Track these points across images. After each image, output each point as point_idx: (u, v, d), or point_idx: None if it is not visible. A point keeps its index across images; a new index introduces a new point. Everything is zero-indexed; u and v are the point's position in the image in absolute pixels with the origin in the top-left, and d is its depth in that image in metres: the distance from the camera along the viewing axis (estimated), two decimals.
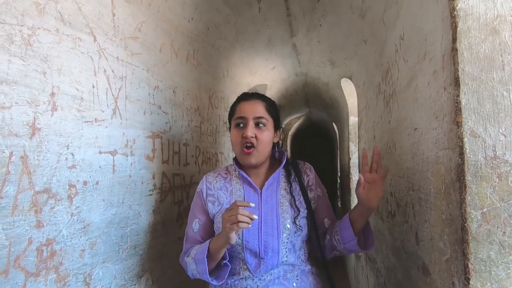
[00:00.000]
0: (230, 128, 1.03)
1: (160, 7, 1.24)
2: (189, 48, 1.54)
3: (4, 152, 0.64)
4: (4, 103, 0.64)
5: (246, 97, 1.02)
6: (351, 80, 2.56)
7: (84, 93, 0.85)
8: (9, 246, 0.64)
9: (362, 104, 2.21)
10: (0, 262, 0.63)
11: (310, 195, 1.01)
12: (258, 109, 0.98)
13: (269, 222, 0.93)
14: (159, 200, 1.21)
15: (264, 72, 2.78)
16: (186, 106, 1.49)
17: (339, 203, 4.89)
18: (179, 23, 1.41)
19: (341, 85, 3.06)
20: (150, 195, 1.15)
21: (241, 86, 2.54)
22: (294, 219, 0.94)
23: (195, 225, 1.00)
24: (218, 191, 1.01)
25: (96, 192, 0.88)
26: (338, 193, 4.96)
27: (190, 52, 1.55)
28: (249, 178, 0.98)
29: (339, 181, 4.80)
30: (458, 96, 0.67)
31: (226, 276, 0.90)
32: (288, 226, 0.93)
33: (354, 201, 3.42)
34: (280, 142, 1.09)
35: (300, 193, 0.99)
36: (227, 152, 2.15)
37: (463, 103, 0.66)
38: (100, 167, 0.90)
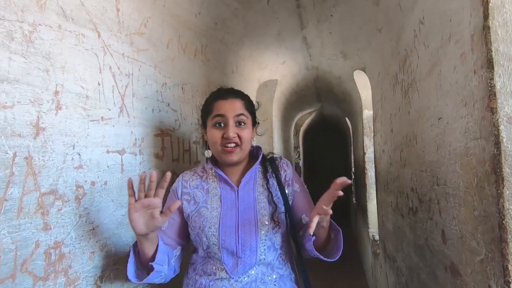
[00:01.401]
0: (204, 126, 0.98)
1: (166, 2, 1.21)
2: (197, 44, 1.50)
3: (8, 153, 0.62)
4: (6, 103, 0.62)
5: (223, 94, 0.97)
6: (364, 72, 2.47)
7: (89, 91, 0.82)
8: (15, 250, 0.62)
9: (377, 96, 2.12)
10: (6, 267, 0.61)
11: (287, 190, 0.98)
12: (237, 107, 0.94)
13: (247, 220, 0.90)
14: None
15: (274, 67, 2.72)
16: (195, 103, 1.46)
17: (353, 199, 4.78)
18: (186, 18, 1.38)
19: (354, 77, 2.97)
20: None
21: (250, 82, 2.49)
22: (271, 215, 0.92)
23: (165, 223, 0.90)
24: (194, 189, 0.97)
25: (105, 192, 0.86)
26: (353, 189, 4.86)
27: (198, 47, 1.52)
28: (225, 176, 0.94)
29: (353, 176, 4.69)
30: (491, 79, 0.60)
31: (147, 278, 0.81)
32: (266, 222, 0.90)
33: (370, 196, 3.33)
34: (253, 138, 1.03)
35: (277, 188, 0.97)
36: None
37: (497, 87, 0.59)
38: (108, 166, 0.87)
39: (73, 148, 0.76)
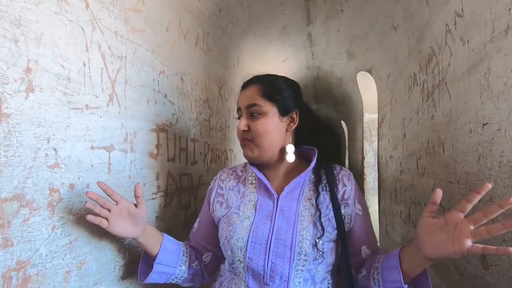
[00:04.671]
0: None
1: None
2: (198, 31, 1.35)
3: None
4: None
5: (244, 84, 0.85)
6: (370, 73, 2.37)
7: (72, 72, 0.67)
8: None
9: (385, 99, 2.02)
10: None
11: (345, 211, 0.78)
12: (250, 96, 0.80)
13: (282, 239, 0.73)
14: (163, 204, 1.03)
15: (275, 64, 2.59)
16: (194, 96, 1.31)
17: None
18: (189, 0, 1.23)
19: (357, 79, 2.87)
20: (153, 199, 0.97)
21: None
22: (316, 241, 0.72)
23: (196, 224, 0.92)
24: (229, 191, 0.85)
25: (87, 197, 0.70)
26: None
27: (200, 35, 1.37)
28: (264, 179, 0.79)
29: None
30: None
31: (147, 278, 0.78)
32: (306, 249, 0.71)
33: (368, 202, 3.24)
34: (289, 132, 0.82)
35: (330, 207, 0.77)
36: (238, 149, 1.96)
37: None
38: (92, 166, 0.71)
39: (48, 141, 0.61)
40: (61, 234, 0.63)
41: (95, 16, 0.74)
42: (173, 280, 0.83)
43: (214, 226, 0.87)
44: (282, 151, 0.81)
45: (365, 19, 1.81)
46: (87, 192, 0.66)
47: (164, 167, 1.04)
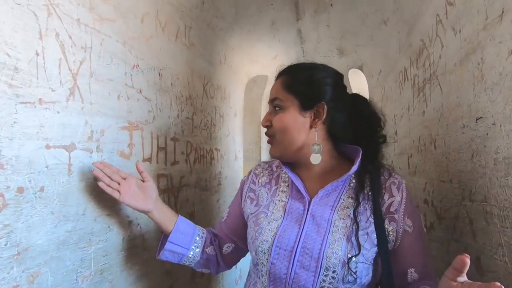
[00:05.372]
0: None
1: None
2: (179, 24, 1.28)
3: None
4: None
5: (276, 77, 0.81)
6: (361, 70, 2.32)
7: (21, 61, 0.59)
8: None
9: (376, 96, 1.97)
10: None
11: (390, 227, 0.67)
12: (275, 88, 0.76)
13: (309, 250, 0.65)
14: None
15: (265, 61, 2.53)
16: (175, 93, 1.24)
17: None
18: None
19: (349, 77, 2.82)
20: None
21: (239, 75, 2.29)
22: (347, 259, 0.63)
23: (225, 214, 0.90)
24: (261, 188, 0.80)
25: (41, 202, 0.63)
26: None
27: (181, 28, 1.30)
28: (296, 179, 0.73)
29: None
30: None
31: (160, 254, 0.82)
32: (336, 266, 0.63)
33: None
34: (315, 128, 0.72)
35: (371, 220, 0.67)
36: (225, 148, 1.90)
37: None
38: (47, 167, 0.64)
39: None
40: (6, 245, 0.56)
41: (51, 1, 0.66)
42: (185, 262, 0.83)
43: (242, 220, 0.84)
44: (300, 150, 0.74)
45: (355, 14, 1.75)
46: (93, 163, 0.72)
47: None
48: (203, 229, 0.89)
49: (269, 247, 0.69)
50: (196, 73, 1.47)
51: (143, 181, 0.80)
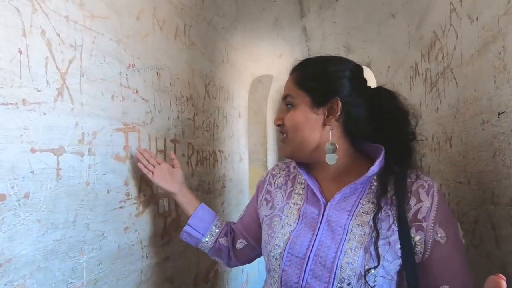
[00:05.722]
0: None
1: None
2: (178, 22, 1.24)
3: None
4: None
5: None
6: (369, 67, 2.24)
7: (1, 59, 0.56)
8: None
9: None
10: None
11: (417, 236, 0.58)
12: (287, 85, 0.72)
13: (322, 258, 0.60)
14: (134, 213, 0.92)
15: (269, 60, 2.48)
16: (174, 93, 1.20)
17: None
18: None
19: None
20: (121, 207, 0.86)
21: (243, 75, 2.24)
22: (365, 272, 0.56)
23: (242, 212, 0.91)
24: (276, 190, 0.77)
25: (25, 210, 0.59)
26: None
27: (180, 27, 1.26)
28: (311, 181, 0.68)
29: None
30: None
31: (181, 234, 0.91)
32: (350, 278, 0.56)
33: None
34: (329, 126, 0.66)
35: (394, 227, 0.58)
36: (229, 150, 1.85)
37: None
38: (32, 172, 0.60)
39: None
40: None
41: None
42: (201, 247, 0.90)
43: (257, 221, 0.82)
44: (314, 149, 0.69)
45: (362, 9, 1.69)
46: (137, 148, 0.91)
47: (135, 171, 0.92)
48: (223, 220, 0.94)
49: (281, 253, 0.64)
50: (197, 73, 1.43)
51: (173, 167, 0.95)
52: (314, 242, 0.62)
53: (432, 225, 0.58)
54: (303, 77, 0.69)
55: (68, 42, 0.71)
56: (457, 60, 0.84)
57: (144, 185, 0.97)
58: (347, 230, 0.60)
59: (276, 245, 0.66)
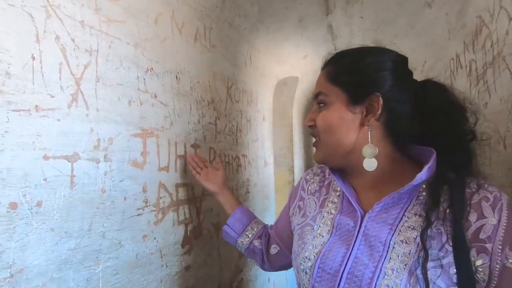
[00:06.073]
0: None
1: None
2: (198, 25, 1.22)
3: None
4: None
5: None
6: None
7: (14, 66, 0.55)
8: None
9: None
10: None
11: (479, 260, 0.47)
12: (319, 82, 0.64)
13: (357, 277, 0.52)
14: (153, 221, 0.89)
15: (294, 61, 2.41)
16: (195, 97, 1.17)
17: None
18: None
19: None
20: (139, 215, 0.84)
21: (267, 78, 2.19)
22: None
23: (278, 216, 0.87)
24: (310, 196, 0.70)
25: (38, 218, 0.57)
26: None
27: (200, 29, 1.24)
28: (347, 189, 0.60)
29: None
30: None
31: (224, 235, 0.94)
32: None
33: None
34: (368, 126, 0.58)
35: (448, 248, 0.48)
36: (253, 154, 1.80)
37: None
38: (45, 179, 0.59)
39: None
40: None
41: (50, 2, 0.62)
42: (238, 246, 0.92)
43: (289, 228, 0.77)
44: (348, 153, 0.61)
45: (392, 0, 1.57)
46: (189, 154, 1.07)
47: (153, 177, 0.90)
48: (261, 223, 0.93)
49: (311, 267, 0.58)
50: (219, 76, 1.40)
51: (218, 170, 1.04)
52: (348, 258, 0.54)
53: (500, 247, 0.46)
54: (337, 71, 0.60)
55: (84, 47, 0.70)
56: (510, 46, 0.72)
57: (163, 192, 0.95)
58: (388, 247, 0.52)
59: (306, 257, 0.60)
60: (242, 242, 0.90)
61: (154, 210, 0.90)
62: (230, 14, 1.45)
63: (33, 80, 0.58)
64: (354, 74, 0.58)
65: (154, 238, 0.89)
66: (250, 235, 0.90)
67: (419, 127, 0.57)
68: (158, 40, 0.97)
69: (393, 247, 0.51)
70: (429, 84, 0.60)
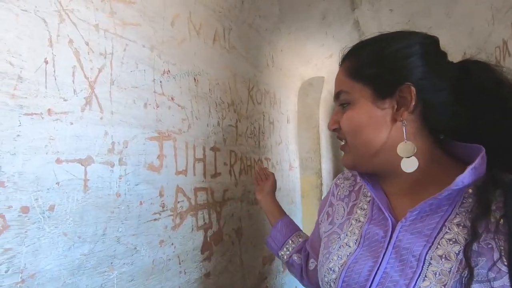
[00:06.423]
0: None
1: None
2: (217, 26, 1.20)
3: None
4: None
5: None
6: None
7: (26, 70, 0.55)
8: None
9: None
10: None
11: None
12: (338, 79, 0.57)
13: None
14: (171, 226, 0.87)
15: (319, 61, 2.32)
16: (214, 99, 1.15)
17: None
18: None
19: None
20: (156, 219, 0.82)
21: (291, 79, 2.13)
22: None
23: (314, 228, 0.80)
24: (339, 202, 0.64)
25: (50, 222, 0.57)
26: None
27: (219, 31, 1.22)
28: (377, 195, 0.54)
29: None
30: None
31: (271, 247, 0.92)
32: None
33: None
34: (402, 122, 0.50)
35: (501, 267, 0.40)
36: (276, 158, 1.75)
37: None
38: (57, 183, 0.59)
39: None
40: (7, 271, 0.50)
41: (63, 7, 0.62)
42: (280, 259, 0.90)
43: (320, 238, 0.69)
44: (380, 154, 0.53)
45: None
46: (259, 166, 1.16)
47: (171, 181, 0.88)
48: (303, 236, 0.89)
49: (335, 279, 0.53)
50: (239, 78, 1.37)
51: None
52: (376, 272, 0.47)
53: None
54: (358, 65, 0.53)
55: (98, 51, 0.69)
56: None
57: (181, 196, 0.93)
58: (423, 263, 0.44)
59: (331, 269, 0.54)
60: (282, 255, 0.88)
61: (171, 215, 0.88)
62: (249, 15, 1.42)
63: (46, 84, 0.58)
64: (378, 65, 0.51)
65: (172, 244, 0.87)
66: (290, 249, 0.87)
67: (461, 117, 0.48)
68: (175, 42, 0.96)
69: (430, 263, 0.44)
70: (470, 65, 0.51)
